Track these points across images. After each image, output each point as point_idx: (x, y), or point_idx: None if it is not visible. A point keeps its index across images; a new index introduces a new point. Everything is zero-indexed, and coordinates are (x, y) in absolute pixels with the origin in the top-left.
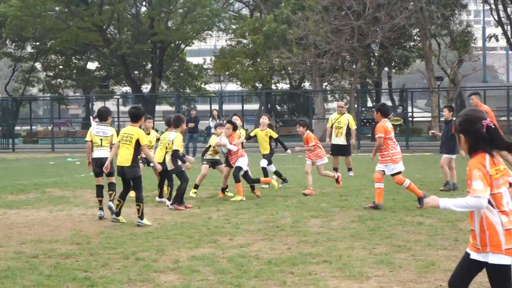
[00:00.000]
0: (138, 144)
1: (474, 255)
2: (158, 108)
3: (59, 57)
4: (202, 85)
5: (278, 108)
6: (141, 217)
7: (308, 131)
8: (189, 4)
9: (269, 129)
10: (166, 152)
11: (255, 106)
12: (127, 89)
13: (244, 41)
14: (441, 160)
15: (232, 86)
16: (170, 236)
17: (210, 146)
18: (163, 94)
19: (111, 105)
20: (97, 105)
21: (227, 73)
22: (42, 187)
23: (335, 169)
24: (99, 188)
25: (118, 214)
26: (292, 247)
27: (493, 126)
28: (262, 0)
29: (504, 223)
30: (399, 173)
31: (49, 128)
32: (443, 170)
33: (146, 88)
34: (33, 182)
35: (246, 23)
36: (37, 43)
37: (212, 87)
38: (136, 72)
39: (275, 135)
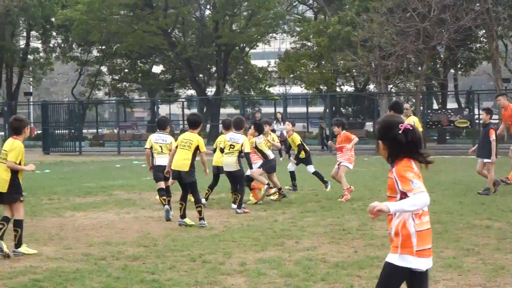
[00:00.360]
0: (196, 150)
1: (388, 257)
2: (222, 111)
3: (125, 60)
4: (267, 88)
5: (343, 110)
6: (203, 218)
7: (344, 131)
8: (253, 7)
9: (295, 135)
10: (226, 154)
11: (319, 109)
12: (192, 92)
13: (309, 43)
14: (477, 166)
15: (297, 89)
16: (236, 239)
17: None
18: (228, 97)
19: (176, 108)
20: (162, 108)
21: (291, 75)
22: (109, 189)
23: None
24: (161, 190)
25: (183, 216)
26: (359, 250)
27: (411, 129)
28: (326, 2)
29: (417, 225)
30: None
31: (115, 131)
32: (482, 175)
33: (210, 91)
34: (100, 185)
35: (310, 26)
36: (103, 47)
37: (277, 89)
38: (200, 75)
39: (298, 142)
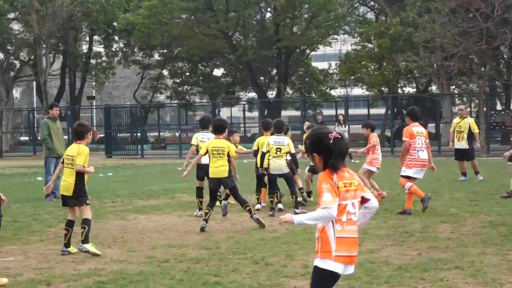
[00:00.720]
0: (229, 156)
1: (314, 261)
2: (283, 113)
3: (186, 64)
4: (328, 90)
5: (405, 112)
6: (253, 215)
7: (373, 132)
8: (314, 9)
9: None
10: (274, 157)
11: (381, 111)
12: (253, 95)
13: (370, 45)
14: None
15: (358, 91)
16: (299, 241)
17: None
18: (289, 100)
19: (237, 111)
20: (224, 111)
21: (352, 77)
22: (171, 192)
23: (463, 174)
24: (200, 190)
25: (206, 221)
26: (423, 253)
27: (339, 137)
28: (387, 3)
29: (337, 230)
30: (407, 177)
31: (177, 134)
32: None
33: (271, 93)
34: (163, 188)
35: (371, 27)
36: (164, 51)
37: (338, 91)
38: (261, 77)
39: None
